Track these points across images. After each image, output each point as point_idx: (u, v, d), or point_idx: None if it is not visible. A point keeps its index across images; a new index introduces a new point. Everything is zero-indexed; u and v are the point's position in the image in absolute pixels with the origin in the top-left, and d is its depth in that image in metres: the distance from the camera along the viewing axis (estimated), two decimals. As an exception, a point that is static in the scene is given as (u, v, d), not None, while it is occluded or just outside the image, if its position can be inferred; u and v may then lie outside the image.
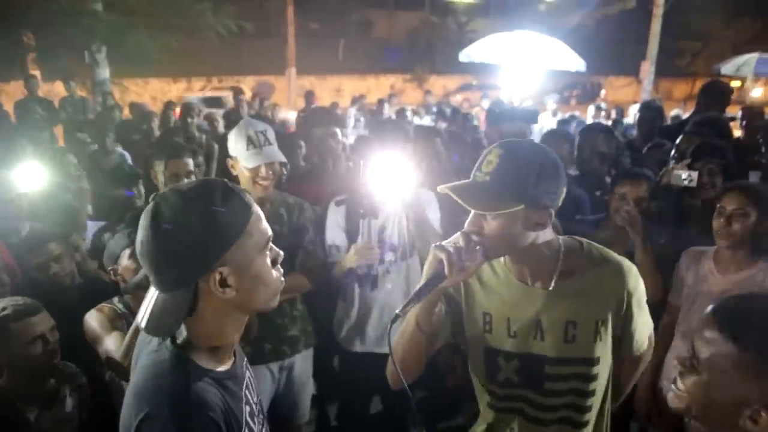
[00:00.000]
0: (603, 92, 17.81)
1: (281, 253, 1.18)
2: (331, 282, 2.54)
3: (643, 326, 1.57)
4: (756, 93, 20.03)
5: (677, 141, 3.33)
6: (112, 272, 2.18)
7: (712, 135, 3.26)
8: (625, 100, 18.30)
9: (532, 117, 5.01)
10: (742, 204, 2.15)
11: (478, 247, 1.34)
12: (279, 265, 1.18)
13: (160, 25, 10.01)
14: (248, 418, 1.18)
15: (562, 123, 8.05)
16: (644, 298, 1.53)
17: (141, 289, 1.97)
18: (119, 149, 5.33)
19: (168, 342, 1.12)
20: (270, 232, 1.15)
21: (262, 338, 2.38)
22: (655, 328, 1.70)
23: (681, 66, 26.08)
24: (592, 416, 1.53)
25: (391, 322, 1.32)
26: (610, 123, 8.55)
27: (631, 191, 2.57)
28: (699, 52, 25.64)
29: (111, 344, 1.90)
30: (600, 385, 1.52)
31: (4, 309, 1.88)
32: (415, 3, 29.12)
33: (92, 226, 3.21)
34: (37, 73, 9.30)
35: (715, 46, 24.57)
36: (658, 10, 17.36)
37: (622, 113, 10.51)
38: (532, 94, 11.54)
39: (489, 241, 1.35)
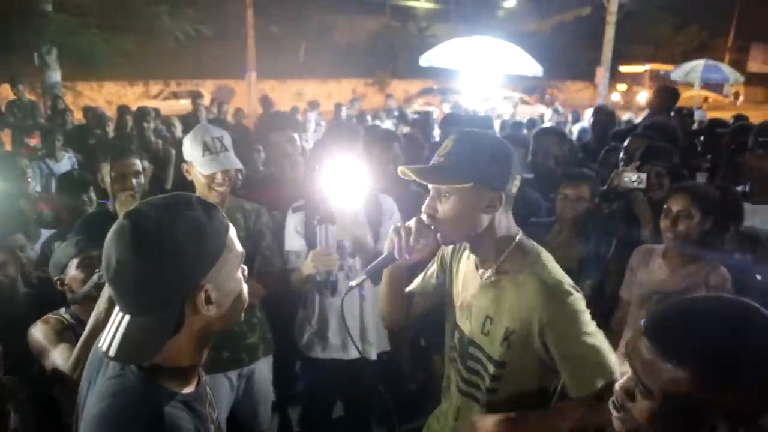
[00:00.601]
0: (554, 98, 18.28)
1: (245, 268, 1.14)
2: (290, 288, 2.52)
3: (583, 366, 1.42)
4: (615, 97, 20.93)
5: (625, 144, 3.45)
6: (58, 282, 2.12)
7: (659, 138, 3.39)
8: (581, 104, 18.78)
9: (486, 123, 5.07)
10: (687, 205, 2.25)
11: (433, 230, 1.45)
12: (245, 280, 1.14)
13: (115, 26, 9.74)
14: None
15: (515, 126, 8.19)
16: (581, 333, 1.41)
17: (89, 300, 1.93)
18: (68, 154, 5.17)
19: (132, 366, 1.04)
20: (242, 250, 1.12)
21: (219, 346, 2.34)
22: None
23: (632, 71, 26.90)
24: (493, 409, 1.53)
25: (344, 294, 1.51)
26: (567, 126, 8.77)
27: (573, 191, 2.65)
28: (651, 57, 26.57)
29: (58, 357, 1.85)
30: (505, 391, 1.52)
31: None
32: (376, 8, 29.24)
33: (45, 234, 3.10)
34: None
35: (666, 52, 25.53)
36: (611, 18, 17.93)
37: (578, 116, 10.79)
38: (492, 98, 11.72)
39: (442, 224, 1.45)
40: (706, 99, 20.90)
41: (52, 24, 8.99)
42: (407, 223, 1.48)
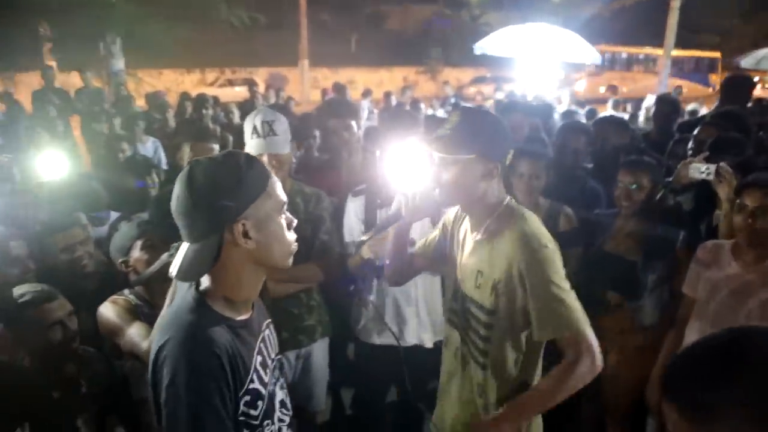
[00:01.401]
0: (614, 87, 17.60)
1: (294, 219, 1.35)
2: (347, 272, 2.54)
3: (546, 311, 1.57)
4: (580, 86, 19.68)
5: (695, 133, 3.30)
6: (123, 264, 2.18)
7: (730, 128, 3.23)
8: (641, 93, 18.11)
9: (545, 112, 4.94)
10: (764, 201, 2.11)
11: (434, 194, 1.71)
12: (293, 230, 1.34)
13: (175, 16, 10.02)
14: (258, 366, 1.32)
15: (566, 115, 7.95)
16: (548, 281, 1.56)
17: (155, 281, 1.99)
18: (152, 138, 5.39)
19: (193, 288, 1.29)
20: (285, 198, 1.32)
21: (278, 327, 2.39)
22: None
23: (698, 59, 25.68)
24: (489, 362, 1.71)
25: (356, 247, 1.79)
26: (626, 116, 8.45)
27: (631, 180, 2.56)
28: (717, 45, 25.28)
29: (135, 334, 1.92)
30: (495, 337, 1.69)
31: (23, 296, 1.90)
32: (429, -5, 28.96)
33: (113, 217, 3.22)
34: (53, 63, 9.36)
35: (733, 40, 24.21)
36: (675, 3, 17.10)
37: (638, 106, 10.40)
38: (548, 86, 11.44)
39: (445, 188, 1.67)
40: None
41: (117, 13, 9.33)
42: (415, 188, 1.75)
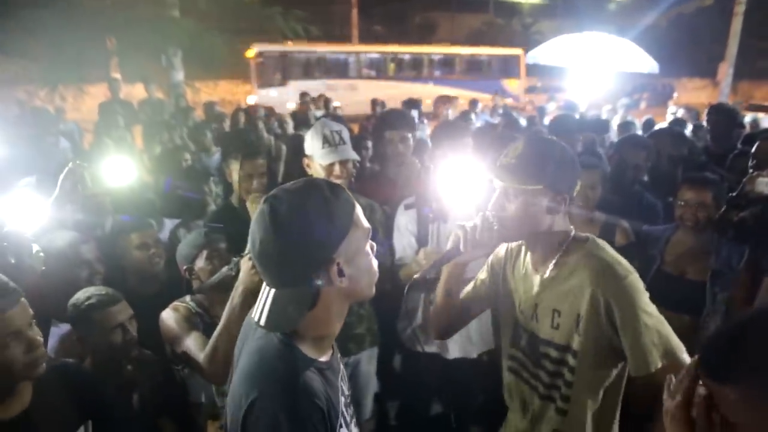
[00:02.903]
0: (675, 95, 17.00)
1: (374, 245, 1.24)
2: (398, 284, 2.56)
3: (642, 343, 1.46)
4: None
5: (754, 147, 3.17)
6: (187, 271, 2.24)
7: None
8: (699, 102, 17.45)
9: (602, 127, 4.81)
10: None
11: (495, 227, 1.55)
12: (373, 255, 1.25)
13: (233, 29, 10.37)
14: (344, 408, 1.23)
15: (623, 127, 7.73)
16: (639, 310, 1.46)
17: (216, 290, 2.05)
18: (218, 149, 5.51)
19: (277, 332, 1.17)
20: (369, 226, 1.22)
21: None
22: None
23: (763, 67, 24.58)
24: (571, 407, 1.59)
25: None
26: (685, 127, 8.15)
27: (694, 197, 2.47)
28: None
29: (192, 345, 1.97)
30: (580, 379, 1.57)
31: (89, 298, 1.98)
32: (479, 4, 28.87)
33: (168, 224, 3.35)
34: (118, 75, 9.83)
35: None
36: (740, 8, 16.45)
37: (697, 116, 10.02)
38: (601, 97, 11.19)
39: (508, 221, 1.54)
40: None
41: (179, 28, 9.72)
42: (474, 219, 1.58)
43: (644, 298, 1.48)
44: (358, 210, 1.19)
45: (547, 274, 1.60)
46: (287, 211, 1.10)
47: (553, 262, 1.58)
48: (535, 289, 1.63)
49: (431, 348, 2.65)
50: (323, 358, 1.21)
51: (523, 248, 1.72)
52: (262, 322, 1.15)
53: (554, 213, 1.53)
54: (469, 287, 1.85)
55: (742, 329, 0.87)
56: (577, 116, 7.32)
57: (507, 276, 1.76)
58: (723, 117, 4.51)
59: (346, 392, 1.30)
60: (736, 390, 0.82)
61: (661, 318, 1.49)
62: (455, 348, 2.60)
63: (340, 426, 1.18)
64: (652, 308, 1.48)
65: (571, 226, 1.61)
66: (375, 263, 1.23)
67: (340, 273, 1.13)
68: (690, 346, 2.43)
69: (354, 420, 1.33)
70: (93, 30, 9.31)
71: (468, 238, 1.57)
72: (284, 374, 1.11)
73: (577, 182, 1.56)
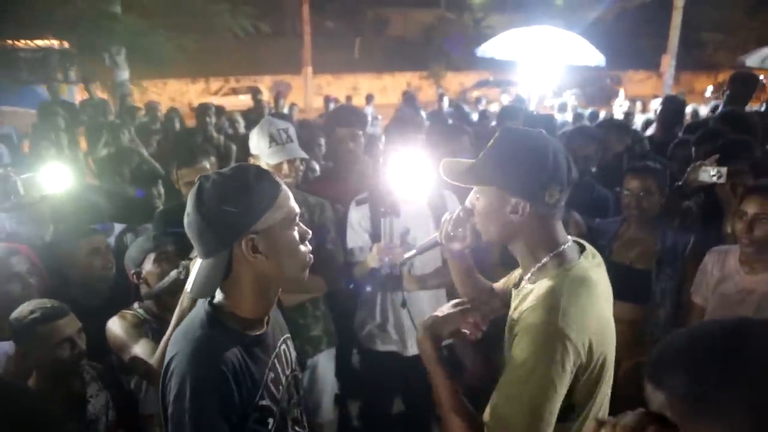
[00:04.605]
0: (621, 91, 17.50)
1: (309, 231, 1.33)
2: (352, 281, 2.53)
3: (498, 388, 1.26)
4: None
5: (698, 136, 3.26)
6: (135, 276, 2.18)
7: (737, 131, 3.19)
8: (644, 94, 18.04)
9: (546, 123, 4.86)
10: (765, 208, 2.06)
11: (470, 223, 1.49)
12: (307, 242, 1.32)
13: (178, 26, 10.07)
14: (269, 383, 1.31)
15: (576, 119, 7.94)
16: (524, 359, 1.22)
17: (165, 295, 1.98)
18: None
19: (206, 303, 1.30)
20: (297, 210, 1.30)
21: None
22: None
23: (702, 58, 25.65)
24: None
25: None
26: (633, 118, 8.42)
27: (638, 185, 2.53)
28: (721, 43, 25.19)
29: (140, 352, 1.90)
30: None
31: (32, 312, 1.88)
32: (431, 0, 29.02)
33: (118, 229, 3.22)
34: (59, 75, 9.42)
35: (738, 37, 24.08)
36: (679, 2, 17.09)
37: (643, 107, 10.36)
38: (552, 90, 11.42)
39: (477, 219, 1.44)
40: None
41: (121, 25, 9.37)
42: (456, 211, 1.53)
43: (544, 356, 1.20)
44: (286, 195, 1.28)
45: (519, 286, 1.43)
46: (209, 187, 1.23)
47: (527, 276, 1.40)
48: (513, 304, 1.44)
49: (389, 346, 2.63)
50: (253, 333, 1.31)
51: None
52: (188, 288, 1.32)
53: (518, 219, 1.34)
54: (504, 279, 1.69)
55: (686, 342, 0.86)
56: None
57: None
58: (673, 106, 4.66)
59: (283, 371, 1.38)
60: (667, 397, 0.82)
61: (538, 393, 1.19)
62: (413, 345, 2.59)
63: (261, 398, 1.27)
64: (538, 375, 1.19)
65: (564, 241, 1.39)
66: (303, 249, 1.30)
67: (254, 249, 1.23)
68: (640, 335, 2.50)
69: (294, 400, 1.42)
70: (30, 28, 8.89)
71: (443, 229, 1.55)
72: (198, 338, 1.23)
73: (545, 187, 1.32)
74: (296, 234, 1.29)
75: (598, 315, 1.30)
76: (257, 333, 1.32)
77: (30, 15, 8.59)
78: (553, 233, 1.39)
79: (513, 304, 1.43)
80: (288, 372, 1.41)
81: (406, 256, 1.73)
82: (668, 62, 17.71)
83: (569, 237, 1.43)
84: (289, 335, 1.48)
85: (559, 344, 1.20)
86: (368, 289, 2.54)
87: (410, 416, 2.95)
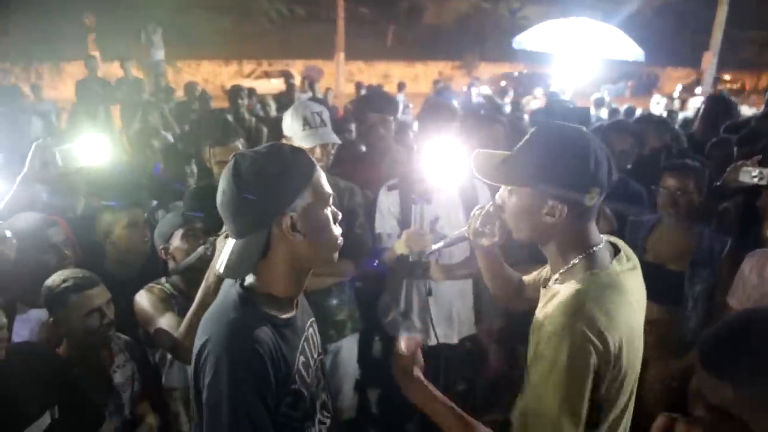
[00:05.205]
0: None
1: (339, 213, 1.31)
2: (379, 267, 2.52)
3: (528, 396, 1.26)
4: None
5: (740, 136, 3.16)
6: (163, 251, 2.21)
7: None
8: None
9: (582, 116, 4.77)
10: None
11: (498, 221, 1.46)
12: (338, 224, 1.30)
13: (215, 7, 10.15)
14: (300, 367, 1.29)
15: (612, 114, 7.77)
16: (544, 369, 1.21)
17: (191, 271, 2.00)
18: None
19: (237, 285, 1.27)
20: (331, 191, 1.28)
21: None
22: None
23: (746, 58, 24.81)
24: None
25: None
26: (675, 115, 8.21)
27: (676, 184, 2.46)
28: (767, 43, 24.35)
29: (166, 324, 1.92)
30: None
31: (64, 281, 1.92)
32: (467, -11, 28.62)
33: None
34: (96, 53, 9.57)
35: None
36: (724, -3, 16.51)
37: (681, 105, 10.09)
38: (586, 84, 11.19)
39: (508, 217, 1.39)
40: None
41: (159, 4, 9.48)
42: (487, 205, 1.49)
43: (569, 357, 1.17)
44: (320, 175, 1.26)
45: (547, 286, 1.38)
46: (247, 165, 1.20)
47: (555, 277, 1.35)
48: (540, 303, 1.38)
49: (412, 334, 2.62)
50: (284, 316, 1.28)
51: None
52: (221, 269, 1.24)
53: (552, 220, 1.28)
54: (535, 272, 1.64)
55: (745, 326, 0.84)
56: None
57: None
58: (717, 107, 4.47)
59: (311, 354, 1.36)
60: (733, 389, 0.80)
61: (563, 396, 1.18)
62: (437, 334, 2.57)
63: (293, 382, 1.25)
64: (564, 377, 1.17)
65: (598, 241, 1.33)
66: (336, 230, 1.29)
67: (293, 227, 1.21)
68: (670, 336, 2.45)
69: (321, 385, 1.40)
70: (69, 4, 9.04)
71: (471, 225, 1.51)
72: (233, 320, 1.20)
73: (585, 189, 1.25)
74: (330, 214, 1.27)
75: (625, 322, 1.24)
76: (288, 315, 1.30)
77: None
78: (587, 234, 1.33)
79: (540, 304, 1.38)
80: (315, 356, 1.39)
81: (434, 247, 1.69)
82: (710, 60, 17.13)
83: (603, 237, 1.37)
84: (314, 319, 1.46)
85: (581, 348, 1.17)
86: (395, 276, 2.53)
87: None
